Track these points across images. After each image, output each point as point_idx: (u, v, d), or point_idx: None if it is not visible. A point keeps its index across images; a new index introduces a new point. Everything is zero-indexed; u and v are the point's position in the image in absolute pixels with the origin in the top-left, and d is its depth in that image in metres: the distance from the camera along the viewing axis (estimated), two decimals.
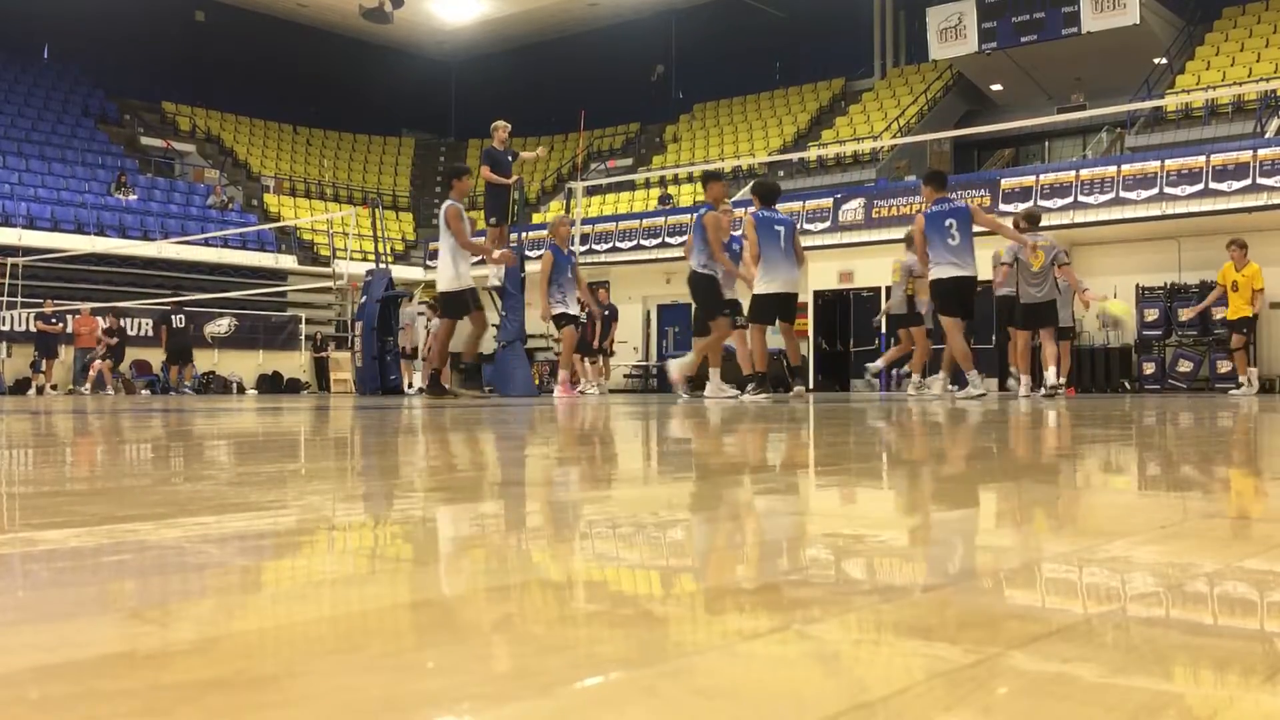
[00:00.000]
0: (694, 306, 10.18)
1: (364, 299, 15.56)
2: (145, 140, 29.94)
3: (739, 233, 10.52)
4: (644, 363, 24.77)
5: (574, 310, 11.93)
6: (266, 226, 26.73)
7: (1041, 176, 18.79)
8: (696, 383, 10.55)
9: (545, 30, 32.96)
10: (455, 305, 10.53)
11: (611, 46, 32.55)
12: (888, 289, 14.46)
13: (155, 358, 22.57)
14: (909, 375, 12.51)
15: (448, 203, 10.51)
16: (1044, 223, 12.62)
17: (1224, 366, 16.79)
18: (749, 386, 9.79)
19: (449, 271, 10.45)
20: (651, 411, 7.11)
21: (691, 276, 9.92)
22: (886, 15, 29.54)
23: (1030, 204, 18.36)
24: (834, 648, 0.81)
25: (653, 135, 31.91)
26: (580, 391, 15.21)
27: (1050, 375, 11.20)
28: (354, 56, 33.46)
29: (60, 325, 21.19)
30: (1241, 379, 13.16)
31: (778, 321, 9.98)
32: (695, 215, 10.23)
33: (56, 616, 0.94)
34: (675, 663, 0.76)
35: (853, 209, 20.49)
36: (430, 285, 25.57)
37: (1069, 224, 17.70)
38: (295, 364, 25.33)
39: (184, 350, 21.63)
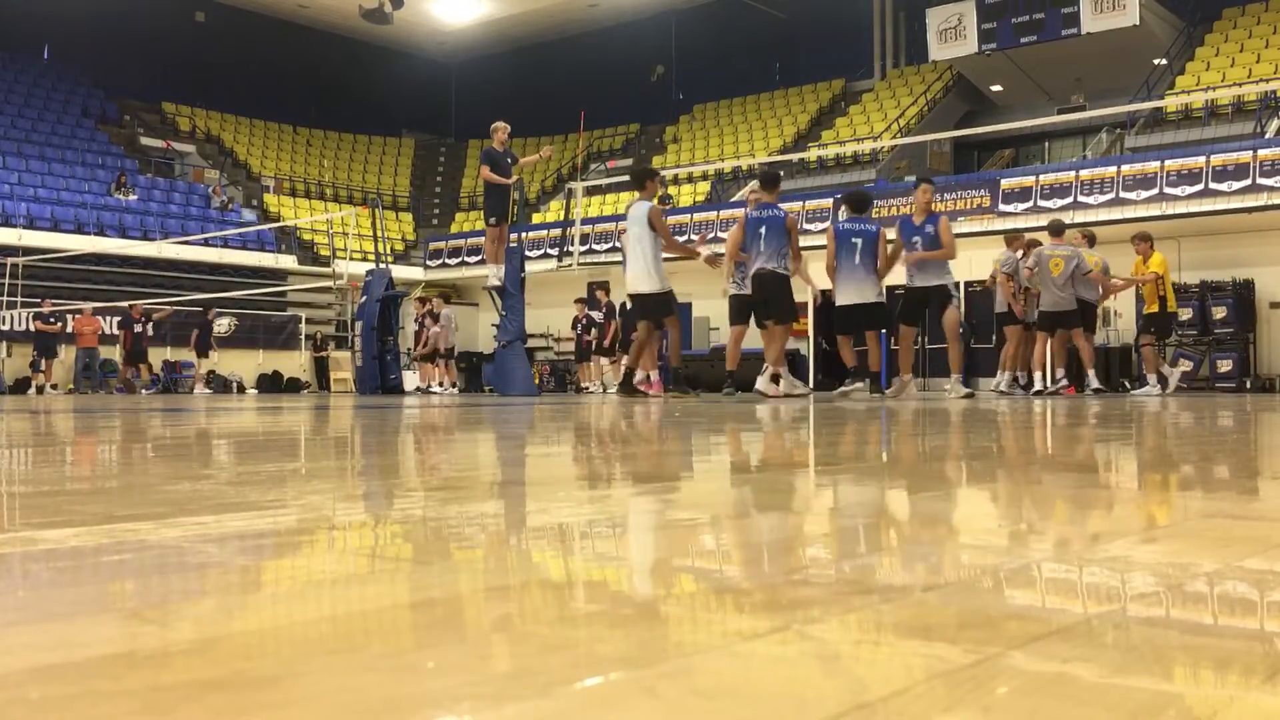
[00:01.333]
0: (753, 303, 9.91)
1: (364, 299, 15.59)
2: (145, 140, 29.91)
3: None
4: None
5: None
6: (266, 226, 26.71)
7: (1041, 177, 18.79)
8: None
9: (545, 31, 32.94)
10: (660, 307, 9.98)
11: (611, 47, 32.50)
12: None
13: (157, 358, 22.62)
14: (1016, 375, 12.63)
15: (645, 204, 9.94)
16: (1043, 223, 12.64)
17: (1224, 365, 16.80)
18: (849, 380, 10.29)
19: (650, 272, 9.86)
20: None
21: (769, 276, 9.59)
22: (886, 16, 29.53)
23: (1030, 204, 18.40)
24: (834, 648, 0.81)
25: (653, 136, 31.89)
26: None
27: (1035, 375, 11.80)
28: (354, 57, 33.43)
29: (59, 325, 21.18)
30: (1150, 377, 12.34)
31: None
32: (774, 216, 9.73)
33: (56, 616, 0.94)
34: (675, 663, 0.76)
35: None
36: (431, 284, 25.65)
37: (1069, 224, 17.69)
38: (295, 363, 25.34)
39: (141, 352, 21.72)
